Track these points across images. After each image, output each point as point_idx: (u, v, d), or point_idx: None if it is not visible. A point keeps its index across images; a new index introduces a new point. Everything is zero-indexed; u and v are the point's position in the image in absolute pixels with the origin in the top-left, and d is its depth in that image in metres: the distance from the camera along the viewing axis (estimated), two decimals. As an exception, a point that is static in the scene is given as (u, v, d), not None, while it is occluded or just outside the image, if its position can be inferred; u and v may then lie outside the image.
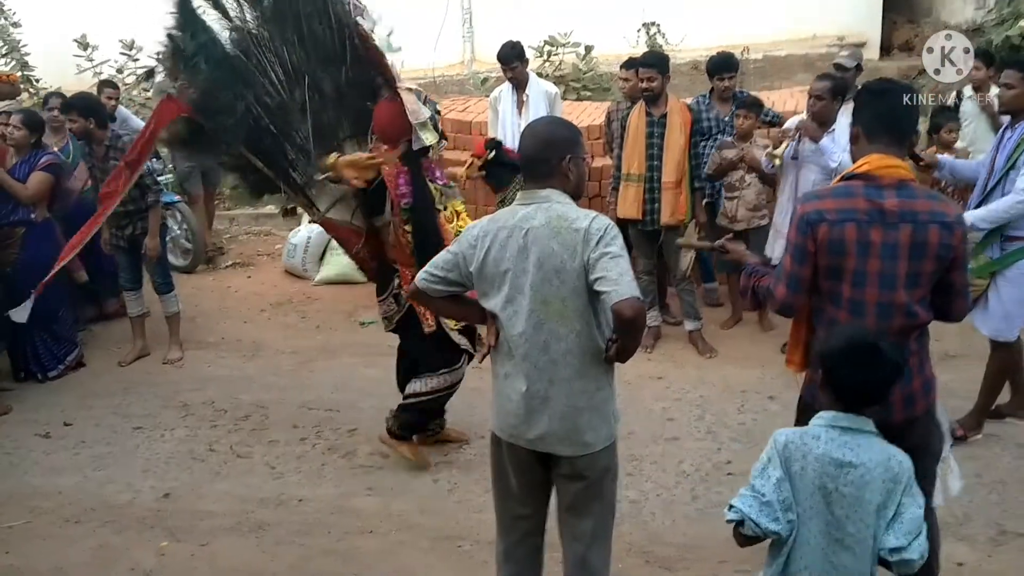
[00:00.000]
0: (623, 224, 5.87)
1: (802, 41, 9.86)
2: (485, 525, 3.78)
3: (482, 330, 3.05)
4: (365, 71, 4.44)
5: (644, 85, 5.68)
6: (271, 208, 9.49)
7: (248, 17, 4.41)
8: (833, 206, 2.78)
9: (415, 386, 4.46)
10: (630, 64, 6.27)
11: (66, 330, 6.12)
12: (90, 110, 5.96)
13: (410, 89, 4.33)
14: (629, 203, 5.79)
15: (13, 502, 4.52)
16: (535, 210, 2.77)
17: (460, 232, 3.92)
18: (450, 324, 4.38)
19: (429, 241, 4.21)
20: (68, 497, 4.56)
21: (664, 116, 5.69)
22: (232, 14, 4.41)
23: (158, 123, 4.66)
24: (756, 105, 6.05)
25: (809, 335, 2.99)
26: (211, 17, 4.40)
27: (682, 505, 4.22)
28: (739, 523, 2.51)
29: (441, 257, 2.94)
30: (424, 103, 4.33)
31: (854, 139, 2.92)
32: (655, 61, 5.79)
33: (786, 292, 2.87)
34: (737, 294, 6.38)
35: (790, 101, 7.30)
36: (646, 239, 5.92)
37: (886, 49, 10.46)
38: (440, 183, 4.52)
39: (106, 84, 7.80)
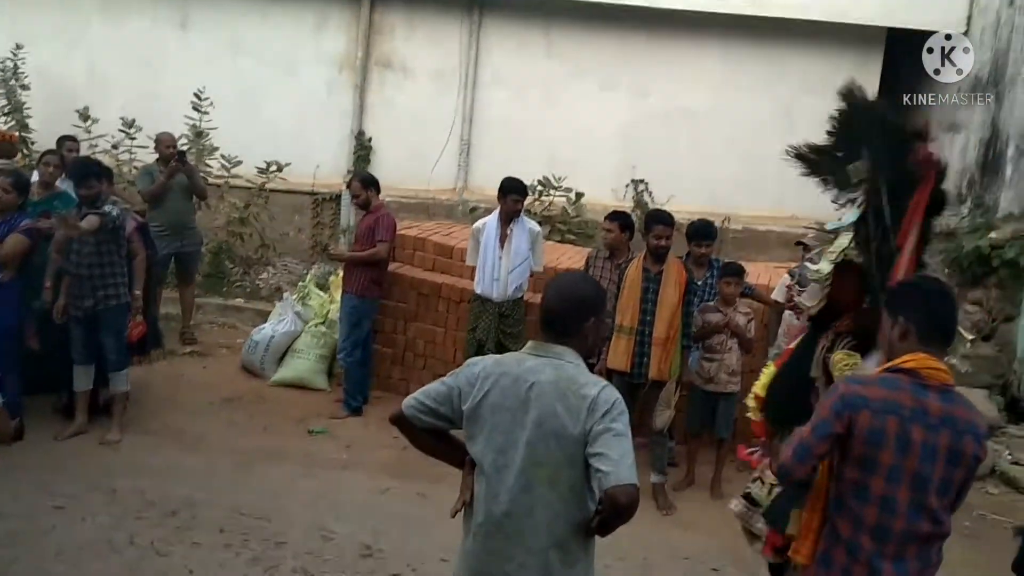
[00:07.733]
0: (609, 374, 5.90)
1: (782, 219, 10.14)
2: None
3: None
4: None
5: (662, 243, 5.79)
6: (239, 301, 9.49)
7: None
8: (879, 395, 2.71)
9: None
10: (613, 217, 6.47)
11: (9, 398, 5.78)
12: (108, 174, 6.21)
13: None
14: (619, 354, 5.82)
15: (-91, 571, 4.26)
16: (544, 364, 2.65)
17: None
18: None
19: None
20: (-32, 573, 4.31)
21: (660, 272, 5.81)
22: None
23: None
24: (741, 273, 6.23)
25: (821, 525, 2.88)
26: None
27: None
28: None
29: (434, 387, 2.77)
30: None
31: (902, 335, 2.79)
32: (672, 220, 5.97)
33: (791, 459, 2.76)
34: (693, 457, 6.35)
35: (764, 275, 7.45)
36: (628, 391, 5.88)
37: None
38: None
39: (66, 138, 7.82)
